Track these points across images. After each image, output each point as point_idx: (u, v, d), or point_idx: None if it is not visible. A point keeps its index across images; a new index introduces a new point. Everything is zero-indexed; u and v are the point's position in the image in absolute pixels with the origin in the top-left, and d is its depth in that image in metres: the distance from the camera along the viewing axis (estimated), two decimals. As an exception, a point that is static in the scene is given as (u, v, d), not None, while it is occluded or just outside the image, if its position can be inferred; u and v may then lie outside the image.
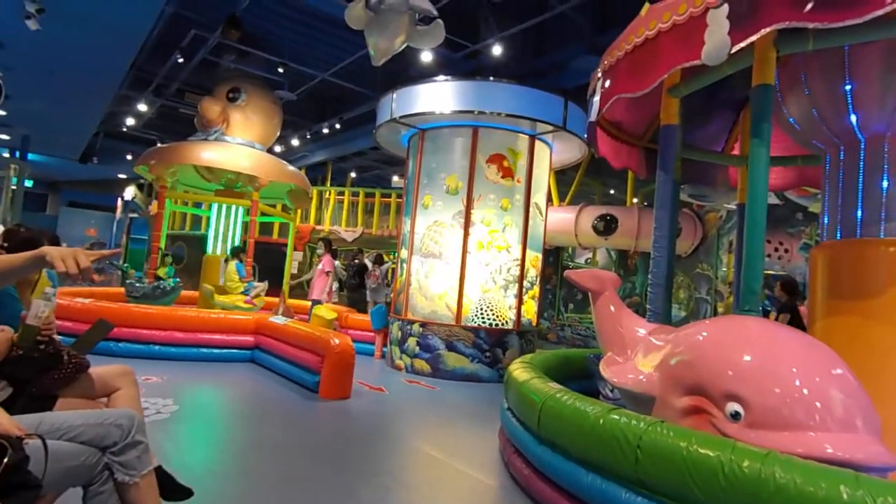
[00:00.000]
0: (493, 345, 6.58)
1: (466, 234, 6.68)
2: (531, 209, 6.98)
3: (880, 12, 2.08)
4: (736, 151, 5.04)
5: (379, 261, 10.52)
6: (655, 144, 4.65)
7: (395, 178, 18.36)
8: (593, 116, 3.92)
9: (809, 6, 2.26)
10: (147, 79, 11.92)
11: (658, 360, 2.66)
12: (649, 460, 2.06)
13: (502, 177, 6.79)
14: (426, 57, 8.71)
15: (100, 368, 2.06)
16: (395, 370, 6.78)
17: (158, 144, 10.86)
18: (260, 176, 8.87)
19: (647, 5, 3.25)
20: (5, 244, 2.26)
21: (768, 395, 2.09)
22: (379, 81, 10.21)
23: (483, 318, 6.62)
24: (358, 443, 3.71)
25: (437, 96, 6.64)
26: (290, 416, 4.30)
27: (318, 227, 14.33)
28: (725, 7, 2.51)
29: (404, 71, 9.47)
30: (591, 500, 2.35)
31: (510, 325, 6.73)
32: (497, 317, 6.67)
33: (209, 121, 9.11)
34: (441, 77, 6.94)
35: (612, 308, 3.41)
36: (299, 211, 13.13)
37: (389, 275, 9.47)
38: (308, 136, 14.83)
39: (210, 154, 8.80)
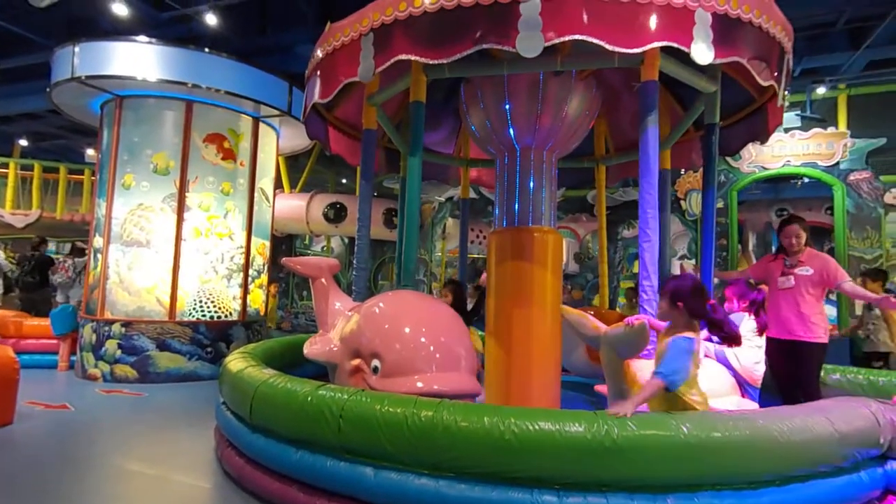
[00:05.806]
0: (215, 339, 6.11)
1: (181, 220, 6.01)
2: (257, 194, 6.69)
3: (458, 56, 2.88)
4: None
5: (78, 252, 8.56)
6: (392, 145, 5.09)
7: (90, 152, 15.16)
8: (302, 117, 4.21)
9: (416, 47, 2.97)
10: None
11: (344, 332, 3.01)
12: (350, 427, 2.26)
13: (223, 158, 6.31)
14: (120, 10, 7.28)
15: None
16: (88, 381, 5.68)
17: None
18: None
19: (329, 24, 3.67)
20: None
21: (396, 350, 2.68)
22: (55, 28, 8.17)
23: (203, 310, 6.08)
24: (24, 475, 3.01)
25: (140, 59, 5.72)
26: None
27: (-33, 209, 10.82)
28: (372, 36, 3.16)
29: (92, 21, 7.82)
30: (299, 476, 2.44)
31: (235, 317, 6.36)
32: (219, 309, 6.22)
33: None
34: (144, 37, 6.01)
35: (324, 290, 3.64)
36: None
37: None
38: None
39: None
